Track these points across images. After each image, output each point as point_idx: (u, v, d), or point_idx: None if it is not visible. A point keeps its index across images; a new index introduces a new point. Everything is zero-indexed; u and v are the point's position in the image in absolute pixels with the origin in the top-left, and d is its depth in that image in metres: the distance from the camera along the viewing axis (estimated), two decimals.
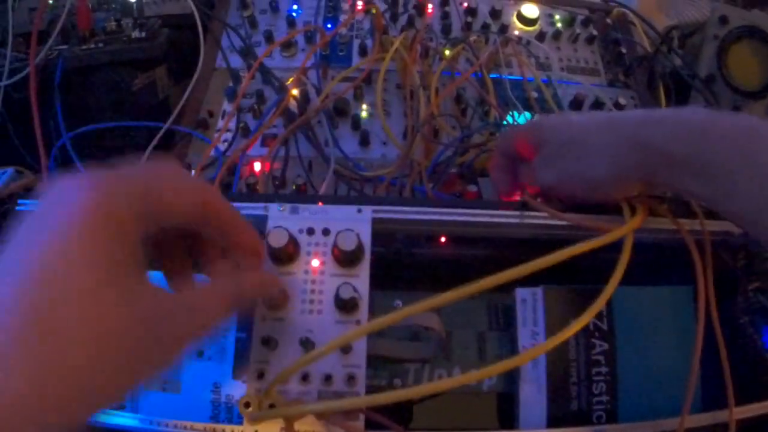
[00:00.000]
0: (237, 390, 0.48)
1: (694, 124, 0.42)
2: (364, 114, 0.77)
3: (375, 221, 0.48)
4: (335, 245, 0.45)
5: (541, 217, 0.50)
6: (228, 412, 0.48)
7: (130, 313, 0.29)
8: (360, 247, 0.45)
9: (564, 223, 0.49)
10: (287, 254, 0.45)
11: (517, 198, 0.56)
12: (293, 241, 0.46)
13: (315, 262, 0.46)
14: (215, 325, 0.34)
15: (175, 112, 0.73)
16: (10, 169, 0.58)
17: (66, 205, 0.29)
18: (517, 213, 0.50)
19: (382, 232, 0.50)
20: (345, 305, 0.44)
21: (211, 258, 0.39)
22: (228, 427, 0.44)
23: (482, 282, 0.38)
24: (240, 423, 0.43)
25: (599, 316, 0.50)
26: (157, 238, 0.35)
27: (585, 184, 0.49)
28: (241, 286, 0.37)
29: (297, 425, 0.41)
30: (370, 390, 0.46)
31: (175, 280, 0.38)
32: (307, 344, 0.43)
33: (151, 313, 0.30)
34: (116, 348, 0.28)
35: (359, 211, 0.48)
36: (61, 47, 0.79)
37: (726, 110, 0.84)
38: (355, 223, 0.47)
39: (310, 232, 0.47)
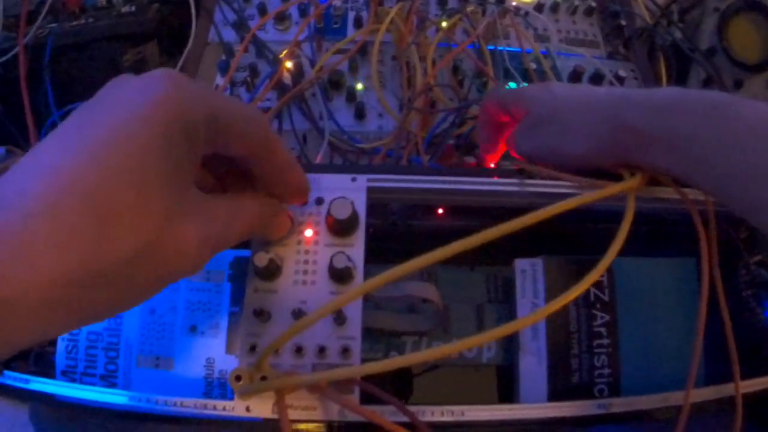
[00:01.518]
0: (231, 365, 0.47)
1: (663, 102, 0.43)
2: (359, 86, 0.76)
3: (370, 190, 0.47)
4: (329, 214, 0.43)
5: (540, 185, 0.49)
6: (221, 388, 0.48)
7: (180, 222, 0.30)
8: (355, 216, 0.44)
9: (564, 190, 0.48)
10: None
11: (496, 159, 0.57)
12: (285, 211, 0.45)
13: (308, 232, 0.45)
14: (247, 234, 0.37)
15: None
16: (1, 149, 0.58)
17: (135, 95, 0.29)
18: (515, 180, 0.49)
19: (378, 203, 0.49)
20: (339, 275, 0.43)
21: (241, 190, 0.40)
22: (219, 403, 0.43)
23: (473, 238, 0.36)
24: (233, 399, 0.42)
25: (600, 286, 0.49)
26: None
27: (560, 157, 0.49)
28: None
29: (290, 399, 0.40)
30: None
31: None
32: (299, 315, 0.42)
33: (194, 220, 0.31)
34: (160, 253, 0.30)
35: (354, 179, 0.47)
36: (51, 26, 0.78)
37: (727, 83, 0.83)
38: (350, 192, 0.46)
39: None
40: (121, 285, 0.29)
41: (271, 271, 0.43)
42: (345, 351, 0.42)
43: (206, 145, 0.32)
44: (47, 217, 0.25)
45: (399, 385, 0.51)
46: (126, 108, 0.29)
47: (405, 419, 0.40)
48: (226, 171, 0.39)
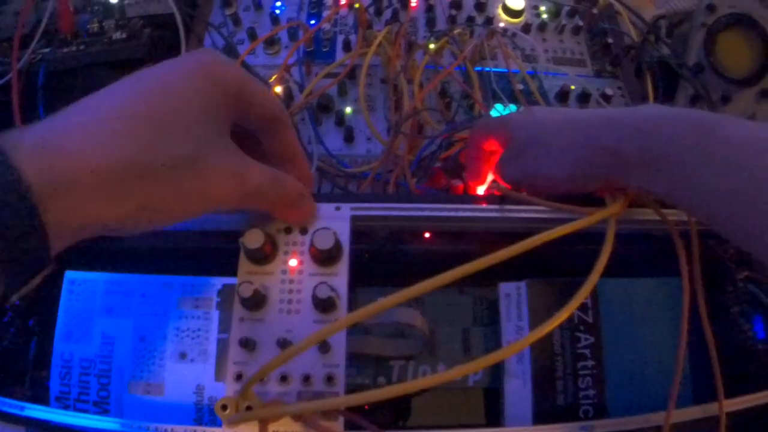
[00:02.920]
0: (220, 392, 0.47)
1: (646, 122, 0.43)
2: (348, 110, 0.76)
3: (355, 219, 0.47)
4: (312, 244, 0.44)
5: (522, 210, 0.49)
6: (212, 414, 0.48)
7: (218, 153, 0.38)
8: (338, 246, 0.45)
9: (545, 215, 0.48)
10: (264, 254, 0.45)
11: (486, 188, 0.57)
12: (271, 241, 0.45)
13: (293, 262, 0.45)
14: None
15: None
16: None
17: (190, 57, 0.39)
18: (496, 207, 0.49)
19: (364, 230, 0.49)
20: (323, 305, 0.43)
21: None
22: (209, 430, 0.44)
23: (458, 270, 0.37)
24: (221, 426, 0.43)
25: (584, 308, 0.50)
26: None
27: (546, 182, 0.49)
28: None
29: (275, 427, 0.41)
30: (354, 389, 0.46)
31: None
32: (285, 345, 0.43)
33: (230, 157, 0.39)
34: (202, 168, 0.36)
35: (338, 208, 0.47)
36: (44, 50, 0.79)
37: (715, 99, 0.84)
38: (334, 222, 0.46)
39: (288, 231, 0.47)
40: (169, 186, 0.35)
41: (257, 301, 0.44)
42: (330, 379, 0.42)
43: (233, 108, 0.39)
44: (117, 118, 0.34)
45: (397, 407, 0.51)
46: (176, 65, 0.38)
47: None
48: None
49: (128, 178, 0.33)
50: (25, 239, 0.31)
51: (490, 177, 0.58)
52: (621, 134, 0.44)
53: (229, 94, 0.38)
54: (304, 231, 0.46)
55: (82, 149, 0.32)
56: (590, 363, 0.49)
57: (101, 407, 0.49)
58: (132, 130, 0.33)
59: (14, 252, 0.30)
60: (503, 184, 0.53)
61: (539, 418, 0.47)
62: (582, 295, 0.41)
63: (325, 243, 0.44)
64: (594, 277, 0.42)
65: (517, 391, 0.48)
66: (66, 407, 0.49)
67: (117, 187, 0.33)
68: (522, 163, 0.51)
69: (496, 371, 0.50)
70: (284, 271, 0.45)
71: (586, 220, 0.45)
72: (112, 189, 0.33)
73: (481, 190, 0.59)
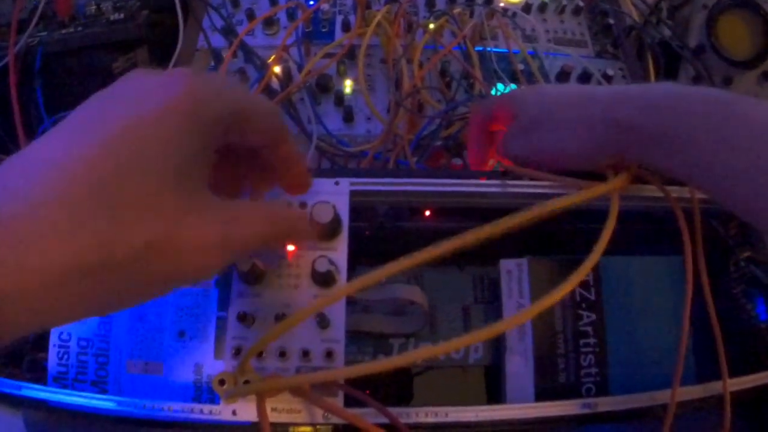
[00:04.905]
0: (219, 370, 0.47)
1: (663, 100, 0.42)
2: (347, 90, 0.76)
3: (354, 194, 0.47)
4: (311, 217, 0.44)
5: (524, 185, 0.49)
6: (210, 393, 0.48)
7: (197, 218, 0.30)
8: (337, 219, 0.44)
9: (547, 190, 0.48)
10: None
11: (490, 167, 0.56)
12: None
13: None
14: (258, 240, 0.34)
15: None
16: None
17: (154, 90, 0.29)
18: (498, 182, 0.49)
19: (364, 206, 0.49)
20: (322, 279, 0.43)
21: (254, 184, 0.41)
22: (207, 407, 0.43)
23: (458, 239, 0.37)
24: (220, 403, 0.42)
25: (586, 286, 0.49)
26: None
27: (554, 158, 0.48)
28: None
29: (275, 403, 0.41)
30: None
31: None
32: (283, 319, 0.42)
33: (211, 219, 0.31)
34: (174, 249, 0.29)
35: (337, 183, 0.47)
36: (41, 34, 0.78)
37: (717, 81, 0.83)
38: (333, 196, 0.46)
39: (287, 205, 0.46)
40: (131, 278, 0.28)
41: (255, 276, 0.43)
42: (329, 354, 0.42)
43: (221, 138, 0.33)
44: (58, 205, 0.25)
45: (399, 387, 0.51)
46: (142, 103, 0.29)
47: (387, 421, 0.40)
48: (237, 174, 0.40)
49: (78, 281, 0.26)
50: None
51: (491, 162, 0.57)
52: (637, 110, 0.43)
53: (211, 132, 0.31)
54: (303, 205, 0.46)
55: (16, 258, 0.25)
56: (592, 341, 0.48)
57: (99, 387, 0.49)
58: (78, 221, 0.26)
59: None
60: (506, 163, 0.53)
61: (541, 395, 0.47)
62: (585, 269, 0.40)
63: (324, 216, 0.43)
64: (597, 253, 0.41)
65: (519, 368, 0.48)
66: (64, 387, 0.49)
67: (66, 293, 0.27)
68: (530, 140, 0.50)
69: (497, 349, 0.49)
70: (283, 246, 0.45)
71: (588, 191, 0.44)
72: (59, 296, 0.26)
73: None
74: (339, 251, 0.45)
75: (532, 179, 0.49)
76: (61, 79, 0.78)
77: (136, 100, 0.29)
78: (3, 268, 0.24)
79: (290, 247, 0.45)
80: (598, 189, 0.45)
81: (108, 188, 0.26)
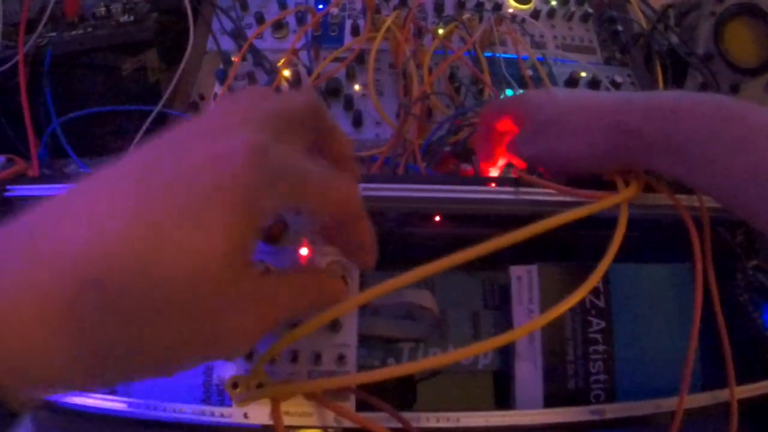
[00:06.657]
0: (229, 372, 0.47)
1: (666, 105, 0.43)
2: (357, 89, 0.76)
3: (364, 200, 0.47)
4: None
5: (536, 193, 0.49)
6: (219, 395, 0.47)
7: (233, 312, 0.27)
8: None
9: (559, 198, 0.48)
10: (273, 235, 0.45)
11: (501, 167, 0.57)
12: (281, 221, 0.45)
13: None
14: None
15: (166, 95, 0.72)
16: (2, 158, 0.59)
17: (216, 171, 0.26)
18: (511, 189, 0.49)
19: (373, 211, 0.49)
20: None
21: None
22: (218, 410, 0.43)
23: (470, 251, 0.36)
24: (231, 405, 0.42)
25: (596, 293, 0.49)
26: None
27: (564, 161, 0.49)
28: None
29: (287, 406, 0.41)
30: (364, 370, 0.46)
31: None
32: (296, 324, 0.42)
33: (262, 302, 0.29)
34: (217, 335, 0.27)
35: None
36: (51, 35, 0.78)
37: (724, 88, 0.84)
38: None
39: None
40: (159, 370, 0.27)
41: None
42: (340, 358, 0.42)
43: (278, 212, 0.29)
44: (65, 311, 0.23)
45: (402, 393, 0.51)
46: (192, 183, 0.25)
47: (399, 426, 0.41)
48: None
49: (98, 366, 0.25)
50: None
51: (501, 161, 0.57)
52: (643, 116, 0.44)
53: (266, 211, 0.27)
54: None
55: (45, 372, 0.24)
56: (601, 347, 0.49)
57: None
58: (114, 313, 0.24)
59: None
60: (517, 163, 0.53)
61: (550, 401, 0.47)
62: (595, 278, 0.41)
63: None
64: (607, 261, 0.42)
65: (528, 374, 0.48)
66: None
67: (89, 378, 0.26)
68: (540, 142, 0.51)
69: (506, 355, 0.49)
70: (294, 251, 0.45)
71: (600, 203, 0.44)
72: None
73: (493, 173, 0.58)
74: None
75: (543, 187, 0.49)
76: (70, 80, 0.79)
77: (183, 179, 0.25)
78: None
79: (303, 251, 0.45)
80: (609, 200, 0.45)
81: (148, 274, 0.24)
